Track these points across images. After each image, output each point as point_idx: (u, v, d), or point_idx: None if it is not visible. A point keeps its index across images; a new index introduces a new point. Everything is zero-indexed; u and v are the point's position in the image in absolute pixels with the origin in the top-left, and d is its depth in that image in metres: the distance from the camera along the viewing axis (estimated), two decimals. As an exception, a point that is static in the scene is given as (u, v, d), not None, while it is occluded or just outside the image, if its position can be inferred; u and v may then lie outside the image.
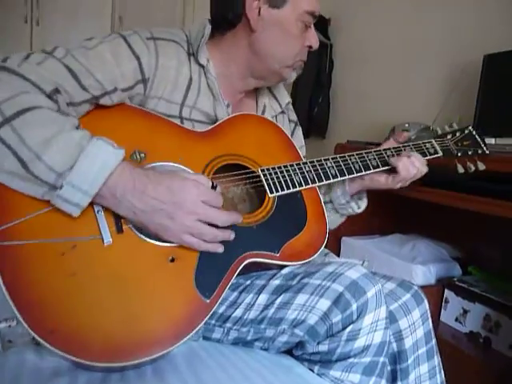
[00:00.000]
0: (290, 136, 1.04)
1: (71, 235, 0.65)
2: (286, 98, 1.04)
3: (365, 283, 0.73)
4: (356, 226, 1.97)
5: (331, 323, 0.72)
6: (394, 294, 0.85)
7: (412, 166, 0.93)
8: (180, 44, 0.86)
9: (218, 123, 0.87)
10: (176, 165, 0.77)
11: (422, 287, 1.50)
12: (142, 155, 0.74)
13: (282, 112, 1.05)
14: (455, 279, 1.55)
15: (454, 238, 1.79)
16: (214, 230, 0.69)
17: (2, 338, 0.72)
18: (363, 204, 1.03)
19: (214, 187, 0.71)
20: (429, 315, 0.86)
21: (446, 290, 1.55)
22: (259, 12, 0.84)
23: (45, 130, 0.62)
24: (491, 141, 1.41)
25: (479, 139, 1.02)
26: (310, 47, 0.91)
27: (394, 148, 0.97)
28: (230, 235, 0.72)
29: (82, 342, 0.59)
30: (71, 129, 0.64)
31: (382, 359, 0.75)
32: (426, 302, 0.86)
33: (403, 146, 0.98)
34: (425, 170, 0.96)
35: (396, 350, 0.83)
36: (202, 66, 0.87)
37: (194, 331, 0.66)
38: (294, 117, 1.11)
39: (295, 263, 0.81)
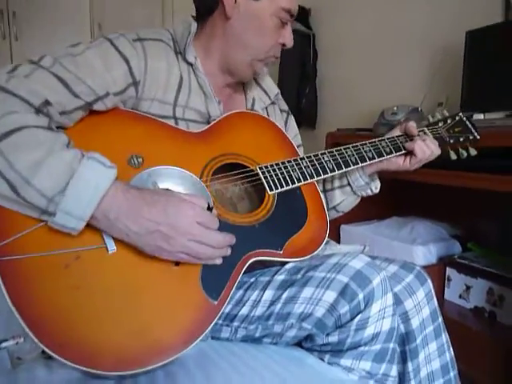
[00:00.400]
0: (283, 127, 1.05)
1: (74, 246, 0.64)
2: (274, 89, 1.04)
3: (369, 272, 0.73)
4: (353, 212, 1.95)
5: (339, 314, 0.72)
6: (397, 276, 0.85)
7: (427, 148, 0.96)
8: (167, 43, 0.86)
9: (213, 123, 0.87)
10: (174, 168, 0.76)
11: (424, 267, 1.51)
12: (140, 160, 0.73)
13: (273, 103, 1.06)
14: (456, 256, 1.56)
15: (451, 216, 1.81)
16: (209, 250, 0.68)
17: (11, 355, 0.71)
18: (378, 184, 1.05)
19: (209, 209, 0.70)
20: (433, 294, 0.87)
21: (448, 268, 1.56)
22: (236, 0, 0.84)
23: (33, 153, 0.60)
24: (480, 116, 1.42)
25: (470, 125, 1.03)
26: (284, 45, 0.90)
27: (388, 138, 0.99)
28: (227, 251, 0.71)
29: (92, 353, 0.59)
30: (61, 149, 0.63)
31: (391, 345, 0.75)
32: (429, 281, 0.87)
33: (397, 136, 0.99)
34: (438, 151, 0.98)
35: (404, 331, 0.84)
36: (190, 64, 0.87)
37: (203, 334, 0.66)
38: (284, 106, 1.11)
39: (299, 259, 0.81)
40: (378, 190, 1.05)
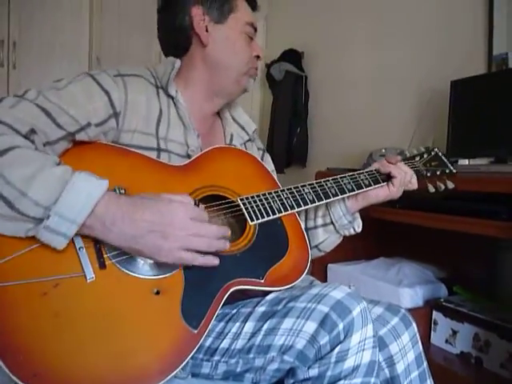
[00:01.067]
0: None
1: (53, 274, 0.64)
2: (252, 125, 1.09)
3: (350, 302, 0.72)
4: (341, 252, 1.97)
5: (319, 345, 0.71)
6: (382, 319, 0.85)
7: (401, 171, 1.00)
8: (147, 79, 0.91)
9: (194, 157, 0.89)
10: None
11: (410, 310, 1.52)
12: (123, 191, 0.75)
13: (250, 140, 1.10)
14: (442, 300, 1.56)
15: (438, 258, 1.81)
16: (207, 240, 0.71)
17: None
18: (360, 223, 1.06)
19: (197, 205, 0.73)
20: (418, 338, 0.86)
21: (434, 312, 1.55)
22: (206, 29, 0.92)
23: (27, 168, 0.63)
24: (465, 162, 1.46)
25: (445, 159, 1.08)
26: (258, 57, 0.99)
27: (366, 171, 1.02)
28: (226, 244, 0.74)
29: (67, 383, 0.58)
30: (53, 165, 0.65)
31: (372, 380, 0.73)
32: (414, 324, 0.86)
33: (375, 170, 1.02)
34: (411, 172, 1.03)
35: (389, 375, 0.82)
36: (171, 96, 0.92)
37: (183, 363, 0.65)
38: (261, 145, 1.16)
39: (281, 288, 0.80)
40: (360, 229, 1.06)
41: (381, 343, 0.81)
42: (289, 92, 2.65)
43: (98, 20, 2.64)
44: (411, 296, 1.60)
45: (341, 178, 0.97)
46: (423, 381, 0.84)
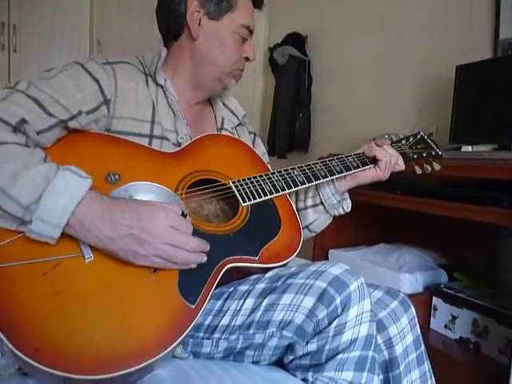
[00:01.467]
0: (252, 146, 1.10)
1: (52, 255, 0.65)
2: (241, 111, 1.11)
3: (347, 278, 0.74)
4: (342, 238, 1.99)
5: (317, 320, 0.73)
6: (382, 302, 0.86)
7: (386, 153, 1.02)
8: (135, 65, 0.92)
9: (186, 143, 0.91)
10: (151, 183, 0.79)
11: (410, 295, 1.53)
12: (117, 177, 0.76)
13: (240, 124, 1.12)
14: (442, 286, 1.57)
15: (439, 245, 1.82)
16: (184, 253, 0.69)
17: (-13, 370, 0.70)
18: (349, 203, 1.09)
19: (183, 215, 0.72)
20: (416, 321, 0.87)
21: (434, 297, 1.56)
22: (199, 22, 0.91)
23: (11, 166, 0.63)
24: (468, 148, 1.45)
25: (431, 142, 1.11)
26: (247, 59, 0.98)
27: (354, 153, 1.05)
28: (203, 258, 0.72)
29: (68, 357, 0.59)
30: (38, 163, 0.66)
31: (370, 353, 0.75)
32: (412, 308, 0.88)
33: (362, 153, 1.05)
34: (397, 154, 1.05)
35: (387, 357, 0.84)
36: (160, 85, 0.93)
37: (181, 336, 0.66)
38: (252, 129, 1.17)
39: (275, 264, 0.82)
40: (349, 210, 1.08)
41: (380, 326, 0.82)
42: (292, 76, 2.63)
43: (99, 3, 2.61)
44: (411, 282, 1.61)
45: (329, 160, 1.00)
46: (421, 363, 0.86)
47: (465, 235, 1.69)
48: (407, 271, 1.63)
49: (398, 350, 0.83)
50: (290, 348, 0.78)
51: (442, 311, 1.53)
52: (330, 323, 0.73)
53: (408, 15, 2.06)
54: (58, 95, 0.76)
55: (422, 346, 0.87)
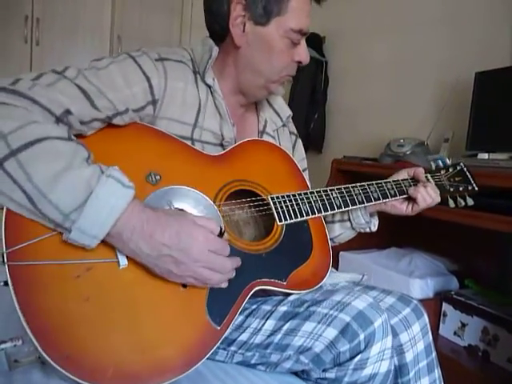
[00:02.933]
0: (291, 149, 1.08)
1: (87, 257, 0.64)
2: (286, 111, 1.05)
3: (371, 314, 0.74)
4: (353, 240, 1.96)
5: (338, 352, 0.73)
6: (394, 309, 0.86)
7: (428, 196, 0.98)
8: (186, 64, 0.87)
9: (228, 148, 0.89)
10: (191, 189, 0.77)
11: (420, 301, 1.52)
12: (158, 177, 0.74)
13: (283, 125, 1.06)
14: (452, 292, 1.57)
15: (451, 251, 1.81)
16: (218, 276, 0.68)
17: (8, 357, 0.72)
18: (377, 223, 1.07)
19: (221, 233, 0.70)
20: (429, 329, 0.87)
21: (444, 304, 1.56)
22: (244, 28, 0.84)
23: (52, 165, 0.60)
24: (484, 156, 1.44)
25: (469, 176, 1.07)
26: (300, 62, 0.90)
27: (393, 181, 1.01)
28: (233, 274, 0.71)
29: (94, 368, 0.59)
30: (80, 164, 0.62)
31: None
32: (425, 315, 0.88)
33: (402, 181, 1.02)
34: (438, 199, 1.01)
35: (397, 363, 0.84)
36: (208, 85, 0.88)
37: (204, 358, 0.66)
38: (294, 129, 1.12)
39: (301, 292, 0.82)
40: (375, 229, 1.07)
41: (391, 332, 0.82)
42: (308, 77, 2.63)
43: (121, -2, 2.64)
44: (421, 287, 1.61)
45: (368, 185, 0.98)
46: (431, 370, 0.86)
47: (477, 242, 1.68)
48: (418, 276, 1.63)
49: (409, 356, 0.83)
50: (305, 372, 0.79)
51: (452, 318, 1.53)
52: (351, 358, 0.73)
53: (427, 18, 2.04)
54: (107, 89, 0.73)
55: (434, 353, 0.87)
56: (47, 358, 0.57)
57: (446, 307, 1.56)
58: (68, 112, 0.68)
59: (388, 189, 0.99)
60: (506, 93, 1.51)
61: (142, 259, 0.65)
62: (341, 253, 1.97)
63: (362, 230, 1.06)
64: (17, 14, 2.40)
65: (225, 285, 0.71)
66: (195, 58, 0.90)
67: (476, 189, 1.05)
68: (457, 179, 1.07)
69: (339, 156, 2.10)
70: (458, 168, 1.08)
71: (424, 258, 1.78)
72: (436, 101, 1.95)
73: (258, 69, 0.87)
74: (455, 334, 1.52)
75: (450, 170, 1.08)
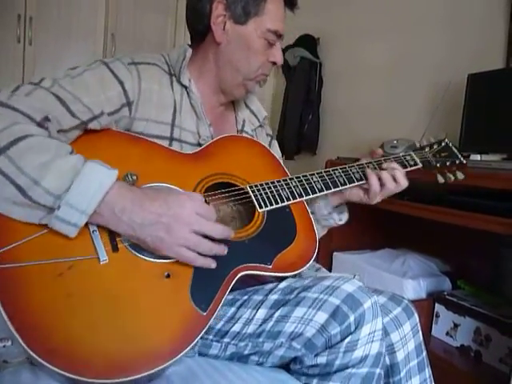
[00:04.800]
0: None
1: (67, 256, 0.66)
2: (263, 112, 1.10)
3: (360, 296, 0.74)
4: (347, 241, 1.99)
5: (330, 335, 0.73)
6: (385, 308, 0.86)
7: (390, 180, 0.95)
8: (160, 66, 0.91)
9: (205, 145, 0.91)
10: (167, 185, 0.79)
11: (413, 301, 1.53)
12: (134, 177, 0.76)
13: (260, 126, 1.10)
14: (445, 293, 1.57)
15: (444, 252, 1.82)
16: (209, 243, 0.71)
17: (-3, 358, 0.71)
18: (344, 217, 1.06)
19: (206, 203, 0.73)
20: (419, 328, 0.88)
21: (437, 304, 1.57)
22: (224, 26, 0.89)
23: (40, 156, 0.64)
24: (477, 157, 1.45)
25: (455, 150, 1.07)
26: (275, 63, 0.95)
27: (375, 161, 1.00)
28: (224, 250, 0.73)
29: (81, 361, 0.60)
30: (66, 154, 0.67)
31: (378, 371, 0.76)
32: (416, 315, 0.88)
33: (384, 159, 1.01)
34: (405, 184, 0.97)
35: (389, 363, 0.84)
36: (184, 86, 0.92)
37: (191, 344, 0.66)
38: (270, 131, 1.16)
39: (288, 274, 0.82)
40: (342, 222, 1.06)
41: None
42: (302, 78, 2.64)
43: (115, -3, 2.63)
44: (414, 288, 1.61)
45: (349, 167, 0.98)
46: (422, 370, 0.86)
47: (470, 243, 1.70)
48: (411, 277, 1.64)
49: (400, 356, 0.84)
50: (297, 359, 0.79)
51: (444, 318, 1.54)
52: (342, 339, 0.74)
53: (421, 20, 2.05)
54: (82, 94, 0.77)
55: (424, 353, 0.88)
56: (32, 353, 0.58)
57: (438, 308, 1.56)
58: (47, 119, 0.71)
59: (362, 169, 0.98)
60: (498, 95, 1.52)
61: (135, 232, 0.68)
62: (334, 253, 1.97)
63: (327, 223, 1.05)
64: (9, 12, 2.38)
65: (214, 265, 0.72)
66: (170, 62, 0.93)
67: (464, 162, 1.05)
68: (443, 154, 1.06)
69: (333, 157, 2.10)
70: (443, 144, 1.07)
71: (417, 258, 1.79)
72: (429, 102, 1.96)
73: (237, 66, 0.92)
74: (448, 334, 1.52)
75: (435, 146, 1.08)
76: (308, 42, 2.67)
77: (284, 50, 2.80)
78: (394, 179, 0.96)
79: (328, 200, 1.02)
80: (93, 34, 2.60)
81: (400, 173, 0.96)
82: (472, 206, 1.31)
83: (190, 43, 0.98)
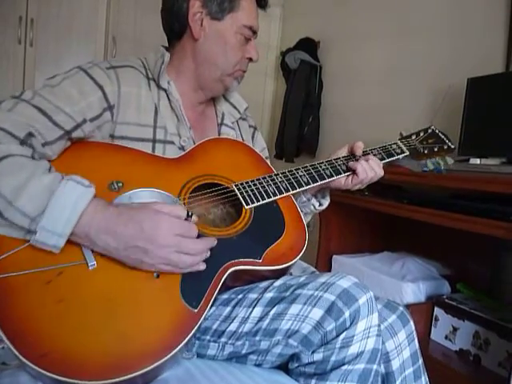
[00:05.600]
0: (251, 140, 1.11)
1: (56, 263, 0.67)
2: (243, 104, 1.11)
3: (356, 291, 0.74)
4: (346, 244, 1.99)
5: (325, 331, 0.73)
6: (380, 316, 0.85)
7: (370, 169, 0.98)
8: (138, 69, 0.92)
9: (189, 149, 0.92)
10: (153, 189, 0.80)
11: (412, 305, 1.54)
12: (120, 185, 0.77)
13: (242, 118, 1.11)
14: (444, 297, 1.57)
15: (443, 255, 1.82)
16: (189, 259, 0.71)
17: (-4, 360, 0.72)
18: (326, 202, 1.08)
19: (189, 216, 0.73)
20: (415, 336, 0.88)
21: (436, 308, 1.57)
22: (201, 23, 0.91)
23: (16, 177, 0.64)
24: (476, 161, 1.46)
25: (443, 136, 1.06)
26: (251, 59, 0.98)
27: (363, 152, 1.01)
28: (207, 255, 0.73)
29: (75, 363, 0.60)
30: (42, 173, 0.67)
31: (375, 367, 0.75)
32: (411, 322, 0.88)
33: (370, 150, 1.02)
34: (381, 173, 1.00)
35: (384, 371, 0.84)
36: (163, 89, 0.93)
37: (185, 340, 0.67)
38: (252, 122, 1.16)
39: (280, 266, 0.82)
40: (322, 208, 1.07)
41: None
42: (303, 81, 2.64)
43: (116, 0, 2.63)
44: (414, 291, 1.61)
45: (335, 159, 0.99)
46: (417, 378, 0.86)
47: (469, 247, 1.70)
48: (410, 280, 1.64)
49: (395, 364, 0.83)
50: (295, 356, 0.79)
51: (444, 322, 1.54)
52: (337, 335, 0.73)
53: (421, 24, 2.05)
54: (63, 104, 0.78)
55: (420, 361, 0.87)
56: (23, 359, 0.58)
57: (437, 311, 1.56)
58: (31, 134, 0.72)
59: (347, 161, 0.99)
60: (498, 99, 1.52)
61: (112, 254, 0.69)
62: (334, 256, 1.97)
63: (308, 210, 1.06)
64: (11, 14, 2.38)
65: (203, 266, 0.73)
66: (148, 65, 0.95)
67: (452, 147, 1.04)
68: (430, 141, 1.06)
69: (333, 160, 2.10)
70: (430, 131, 1.07)
71: (416, 262, 1.79)
72: (429, 106, 1.96)
73: (215, 61, 0.94)
74: (447, 338, 1.52)
75: (422, 134, 1.08)
76: (308, 45, 2.68)
77: (284, 53, 2.81)
78: (372, 169, 0.98)
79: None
80: (94, 36, 2.60)
81: (377, 165, 0.99)
82: (471, 210, 1.31)
83: (164, 45, 1.00)
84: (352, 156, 1.01)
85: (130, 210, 0.70)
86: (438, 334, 1.56)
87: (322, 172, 0.96)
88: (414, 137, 1.08)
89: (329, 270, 1.98)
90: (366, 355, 0.74)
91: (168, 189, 0.82)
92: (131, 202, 0.76)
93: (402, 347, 0.85)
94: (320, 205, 1.07)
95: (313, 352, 0.76)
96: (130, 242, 0.67)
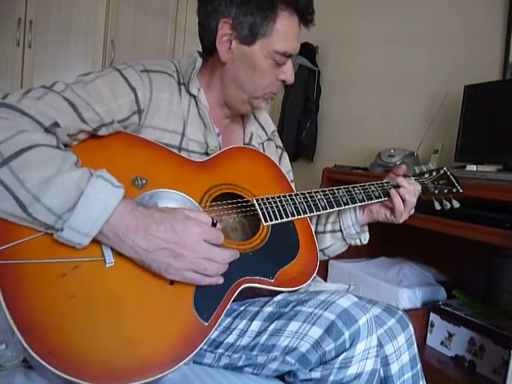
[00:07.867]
0: (278, 162, 1.09)
1: (73, 256, 0.65)
2: (271, 126, 1.09)
3: (356, 311, 0.74)
4: (343, 249, 1.99)
5: (324, 351, 0.73)
6: (379, 320, 0.86)
7: (409, 183, 0.98)
8: (171, 75, 0.90)
9: (213, 154, 0.90)
10: (177, 192, 0.79)
11: (408, 310, 1.54)
12: (144, 181, 0.75)
13: (269, 139, 1.09)
14: (440, 303, 1.58)
15: (439, 261, 1.83)
16: (216, 265, 0.70)
17: (-9, 362, 0.71)
18: (367, 237, 1.06)
19: (214, 224, 0.72)
20: (414, 340, 0.88)
21: (432, 314, 1.57)
22: (230, 46, 0.86)
23: (43, 171, 0.62)
24: (472, 168, 1.46)
25: (453, 179, 1.08)
26: (284, 81, 0.92)
27: (377, 183, 1.01)
28: (221, 280, 0.72)
29: (80, 364, 0.59)
30: (70, 168, 0.64)
31: None
32: (411, 326, 0.88)
33: (385, 182, 1.03)
34: (414, 200, 0.99)
35: (382, 375, 0.84)
36: (193, 95, 0.91)
37: (191, 354, 0.66)
38: (280, 143, 1.14)
39: (289, 289, 0.82)
40: (366, 242, 1.06)
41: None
42: (301, 86, 2.65)
43: (115, 2, 2.64)
44: (410, 297, 1.61)
45: (352, 187, 0.99)
46: (416, 382, 0.86)
47: (465, 254, 1.70)
48: (406, 286, 1.64)
49: (394, 368, 0.83)
50: (291, 372, 0.79)
51: (439, 328, 1.54)
52: (336, 356, 0.73)
53: (419, 32, 2.08)
54: (94, 102, 0.76)
55: (419, 365, 0.87)
56: (32, 353, 0.57)
57: (433, 317, 1.57)
58: (56, 124, 0.70)
59: (372, 191, 0.99)
60: (494, 106, 1.54)
61: (140, 256, 0.66)
62: (330, 261, 1.97)
63: (353, 242, 1.05)
64: (9, 16, 2.39)
65: (221, 280, 0.72)
66: (181, 70, 0.92)
67: (461, 190, 1.06)
68: (441, 182, 1.08)
69: (330, 165, 2.11)
70: (442, 172, 1.09)
71: (413, 268, 1.79)
72: (426, 112, 1.98)
73: (242, 85, 0.90)
74: (442, 344, 1.52)
75: (434, 173, 1.09)
76: (307, 50, 2.69)
77: (283, 58, 2.81)
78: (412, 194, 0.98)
79: (358, 219, 1.02)
80: (92, 38, 2.60)
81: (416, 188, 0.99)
82: (467, 217, 1.32)
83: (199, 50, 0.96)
84: (371, 185, 1.00)
85: (161, 212, 0.68)
86: (433, 340, 1.56)
87: (339, 198, 0.95)
88: (426, 175, 1.09)
89: (325, 274, 1.98)
90: (365, 376, 0.74)
91: (190, 193, 0.80)
92: (153, 202, 0.75)
93: (402, 351, 0.85)
94: (364, 239, 1.05)
95: (310, 370, 0.75)
96: (161, 244, 0.65)
